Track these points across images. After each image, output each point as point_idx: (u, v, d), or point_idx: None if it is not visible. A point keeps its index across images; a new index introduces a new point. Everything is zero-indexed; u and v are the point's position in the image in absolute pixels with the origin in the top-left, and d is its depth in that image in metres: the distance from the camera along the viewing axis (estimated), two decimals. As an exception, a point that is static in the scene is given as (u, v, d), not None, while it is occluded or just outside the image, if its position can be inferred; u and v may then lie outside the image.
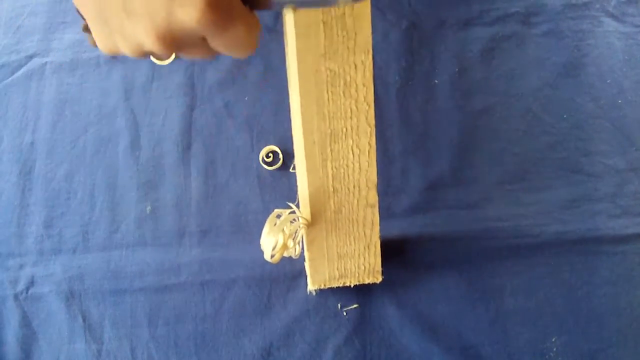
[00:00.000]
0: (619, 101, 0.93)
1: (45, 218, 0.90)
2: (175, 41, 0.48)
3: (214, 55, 0.51)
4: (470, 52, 0.96)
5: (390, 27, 0.98)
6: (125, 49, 0.51)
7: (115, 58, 0.97)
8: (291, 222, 0.64)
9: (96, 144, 0.93)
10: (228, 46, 0.50)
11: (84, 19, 0.51)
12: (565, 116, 0.92)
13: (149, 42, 0.48)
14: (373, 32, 0.96)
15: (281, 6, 0.53)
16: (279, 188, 0.89)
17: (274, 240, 0.61)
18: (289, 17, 0.56)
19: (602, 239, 0.86)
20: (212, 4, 0.46)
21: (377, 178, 0.68)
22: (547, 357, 0.80)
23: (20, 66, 0.98)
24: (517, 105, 0.93)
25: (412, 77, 0.95)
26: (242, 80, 0.95)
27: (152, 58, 0.92)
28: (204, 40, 0.49)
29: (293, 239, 0.66)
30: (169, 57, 0.50)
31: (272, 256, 0.63)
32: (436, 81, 0.95)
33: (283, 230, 0.62)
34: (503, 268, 0.85)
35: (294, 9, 0.54)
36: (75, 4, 0.50)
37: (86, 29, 0.53)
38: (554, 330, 0.82)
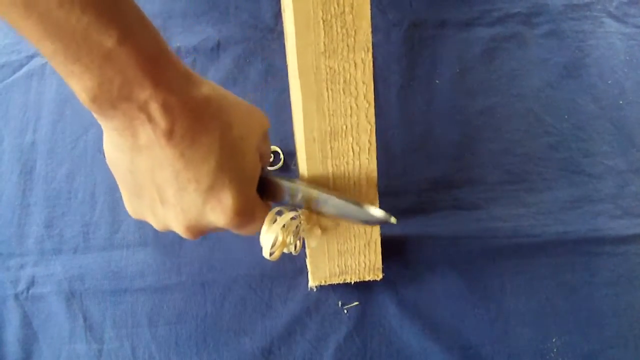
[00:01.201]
0: (621, 102, 0.93)
1: (46, 218, 0.90)
2: (200, 233, 0.54)
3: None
4: (472, 53, 0.97)
5: (391, 27, 0.98)
6: (152, 222, 0.56)
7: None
8: (291, 219, 0.64)
9: (97, 144, 0.93)
10: (244, 233, 0.58)
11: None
12: (566, 117, 0.92)
13: (177, 229, 0.54)
14: (374, 32, 0.96)
15: (293, 202, 0.62)
16: (280, 188, 0.89)
17: (273, 237, 0.61)
18: (288, 15, 0.56)
19: (603, 239, 0.86)
20: (240, 212, 0.52)
21: (378, 177, 0.68)
22: (547, 357, 0.80)
23: (21, 66, 0.99)
24: (518, 105, 0.93)
25: (413, 77, 0.95)
26: (243, 80, 0.95)
27: None
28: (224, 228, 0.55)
29: (293, 235, 0.66)
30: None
31: (271, 254, 0.63)
32: (437, 81, 0.95)
33: (282, 227, 0.62)
34: (503, 268, 0.85)
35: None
36: (110, 167, 0.54)
37: None
38: (554, 331, 0.81)
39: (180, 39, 0.99)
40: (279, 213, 0.63)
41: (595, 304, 0.83)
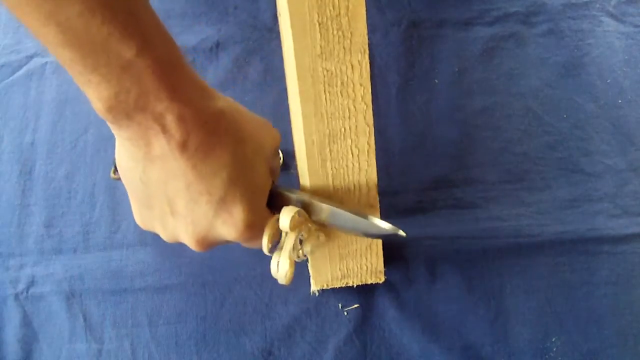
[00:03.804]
0: (619, 101, 0.93)
1: (46, 218, 0.90)
2: (210, 245, 0.55)
3: None
4: (471, 52, 0.97)
5: (390, 27, 0.98)
6: (162, 234, 0.57)
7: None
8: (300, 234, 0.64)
9: (97, 143, 0.93)
10: (254, 247, 0.59)
11: (116, 169, 0.55)
12: (565, 116, 0.92)
13: (186, 241, 0.54)
14: (373, 32, 0.97)
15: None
16: (279, 188, 0.89)
17: (286, 266, 0.62)
18: (284, 18, 0.56)
19: (602, 239, 0.86)
20: (250, 225, 0.52)
21: (377, 178, 0.68)
22: (547, 356, 0.80)
23: (20, 66, 0.99)
24: (517, 104, 0.93)
25: (412, 77, 0.95)
26: (242, 80, 0.95)
27: None
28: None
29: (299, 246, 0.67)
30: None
31: (285, 278, 0.63)
32: (436, 81, 0.95)
33: (289, 255, 0.62)
34: (503, 268, 0.85)
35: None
36: (121, 176, 0.54)
37: (115, 174, 0.57)
38: (554, 330, 0.82)
39: (179, 38, 0.98)
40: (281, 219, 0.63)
41: (595, 303, 0.83)
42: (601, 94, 0.93)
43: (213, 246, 0.55)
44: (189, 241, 0.53)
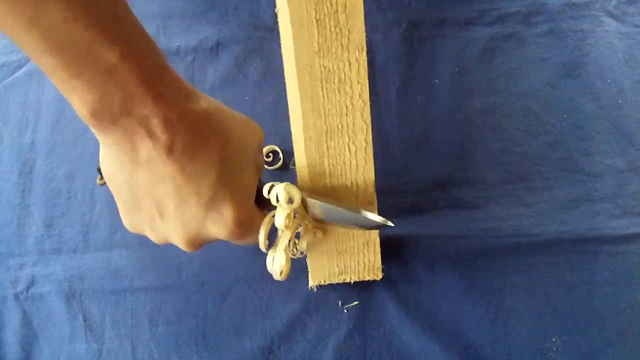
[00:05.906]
0: (620, 101, 0.93)
1: (46, 218, 0.90)
2: (200, 245, 0.56)
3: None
4: (471, 52, 0.96)
5: (390, 27, 0.98)
6: (151, 237, 0.57)
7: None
8: (298, 225, 0.65)
9: (97, 143, 0.92)
10: (243, 244, 0.60)
11: (101, 176, 0.56)
12: (565, 116, 0.92)
13: (176, 242, 0.55)
14: (374, 32, 0.96)
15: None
16: (279, 188, 0.89)
17: (281, 263, 0.62)
18: (283, 15, 0.56)
19: (603, 238, 0.85)
20: (240, 223, 0.53)
21: (377, 177, 0.68)
22: (547, 356, 0.80)
23: (20, 66, 0.99)
24: (517, 104, 0.93)
25: (412, 77, 0.95)
26: (242, 80, 0.95)
27: None
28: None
29: (295, 241, 0.67)
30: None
31: (280, 273, 0.64)
32: (436, 81, 0.95)
33: (284, 250, 0.62)
34: (503, 267, 0.85)
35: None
36: (107, 182, 0.54)
37: (101, 179, 0.57)
38: (554, 330, 0.81)
39: (179, 38, 0.99)
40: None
41: (595, 303, 0.83)
42: (601, 94, 0.93)
43: (203, 245, 0.57)
44: (180, 242, 0.54)
